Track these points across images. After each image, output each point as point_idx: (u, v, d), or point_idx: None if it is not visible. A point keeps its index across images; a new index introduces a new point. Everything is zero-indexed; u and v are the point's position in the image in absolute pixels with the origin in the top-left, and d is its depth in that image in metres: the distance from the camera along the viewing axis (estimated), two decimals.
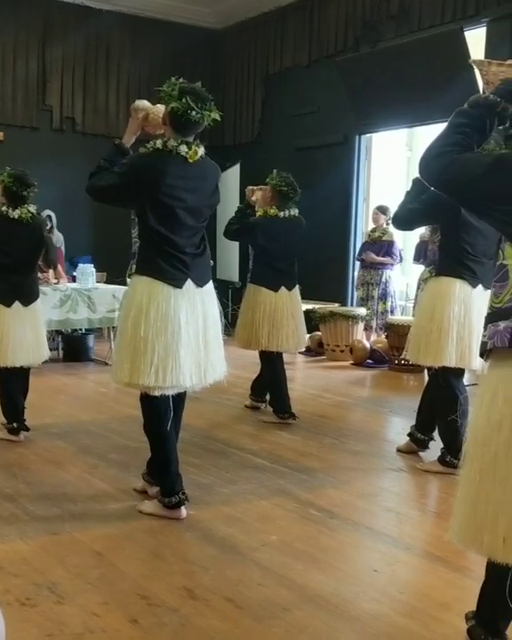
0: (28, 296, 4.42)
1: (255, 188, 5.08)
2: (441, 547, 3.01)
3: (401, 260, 8.25)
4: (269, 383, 5.28)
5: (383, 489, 3.84)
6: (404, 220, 3.98)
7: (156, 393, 3.20)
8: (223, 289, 10.09)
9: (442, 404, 3.96)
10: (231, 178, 9.89)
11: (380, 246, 8.12)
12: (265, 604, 2.52)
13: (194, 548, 2.99)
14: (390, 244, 8.05)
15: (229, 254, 9.69)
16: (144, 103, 3.38)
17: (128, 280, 3.30)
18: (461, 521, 1.89)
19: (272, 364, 5.23)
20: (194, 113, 3.11)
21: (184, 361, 3.17)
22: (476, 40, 7.36)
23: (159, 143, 3.18)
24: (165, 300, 3.17)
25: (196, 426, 4.89)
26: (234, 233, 5.14)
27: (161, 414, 3.29)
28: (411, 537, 3.19)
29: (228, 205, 10.30)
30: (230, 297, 9.80)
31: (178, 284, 3.19)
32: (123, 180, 3.15)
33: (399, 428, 5.09)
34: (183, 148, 3.19)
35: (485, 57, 7.36)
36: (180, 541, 3.06)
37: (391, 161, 9.53)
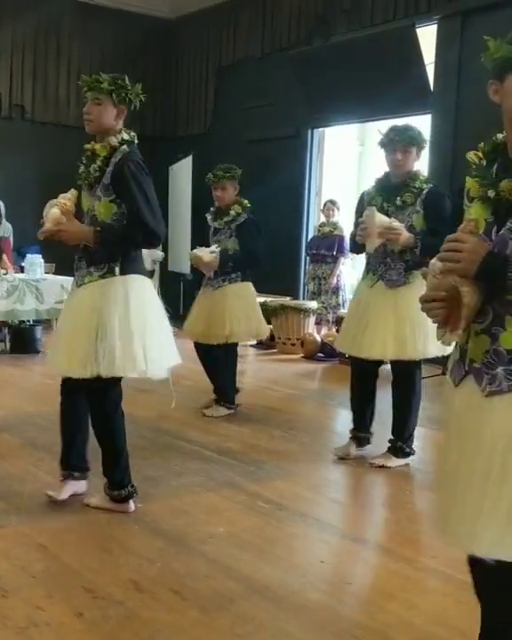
0: None
1: None
2: (387, 537, 3.05)
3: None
4: (227, 373, 5.27)
5: (331, 481, 3.87)
6: None
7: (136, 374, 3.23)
8: (175, 281, 10.04)
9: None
10: (184, 169, 9.85)
11: (331, 241, 8.15)
12: (211, 596, 2.52)
13: (140, 541, 2.97)
14: (341, 238, 8.08)
15: (181, 245, 9.63)
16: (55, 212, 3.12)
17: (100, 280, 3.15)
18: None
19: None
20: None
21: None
22: (427, 36, 7.43)
23: (127, 136, 3.15)
24: (150, 294, 3.27)
25: (144, 418, 4.86)
26: None
27: (118, 405, 3.28)
28: (357, 528, 3.23)
29: (181, 196, 10.29)
30: (182, 289, 9.75)
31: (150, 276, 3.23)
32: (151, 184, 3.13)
33: (348, 420, 5.10)
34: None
35: (436, 54, 7.45)
36: (127, 534, 3.04)
37: (343, 155, 9.59)
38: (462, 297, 1.60)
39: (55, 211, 3.06)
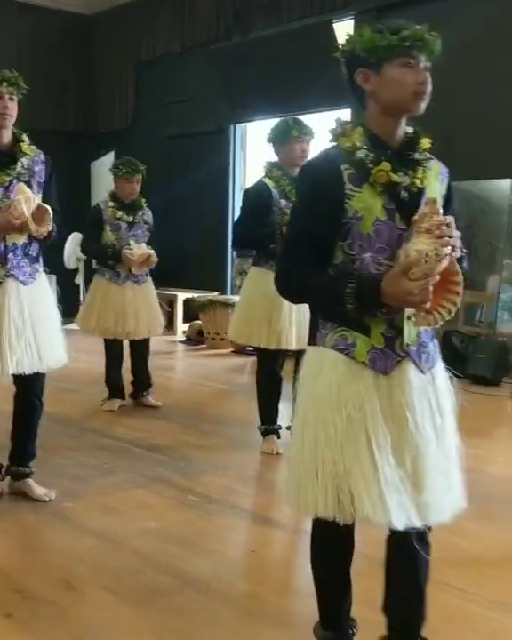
0: None
1: None
2: None
3: None
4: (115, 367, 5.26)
5: (260, 473, 3.91)
6: None
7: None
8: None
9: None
10: (106, 165, 9.71)
11: None
12: (143, 591, 2.52)
13: (70, 540, 2.94)
14: None
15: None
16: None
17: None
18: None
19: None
20: None
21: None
22: (344, 32, 7.51)
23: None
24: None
25: (71, 417, 4.83)
26: None
27: None
28: (287, 517, 3.25)
29: (103, 195, 10.16)
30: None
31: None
32: None
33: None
34: None
35: None
36: (56, 534, 3.02)
37: (267, 150, 9.62)
38: (458, 277, 1.68)
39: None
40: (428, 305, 1.65)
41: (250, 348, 7.85)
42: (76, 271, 9.65)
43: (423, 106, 1.76)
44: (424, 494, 1.77)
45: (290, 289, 1.85)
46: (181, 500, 3.40)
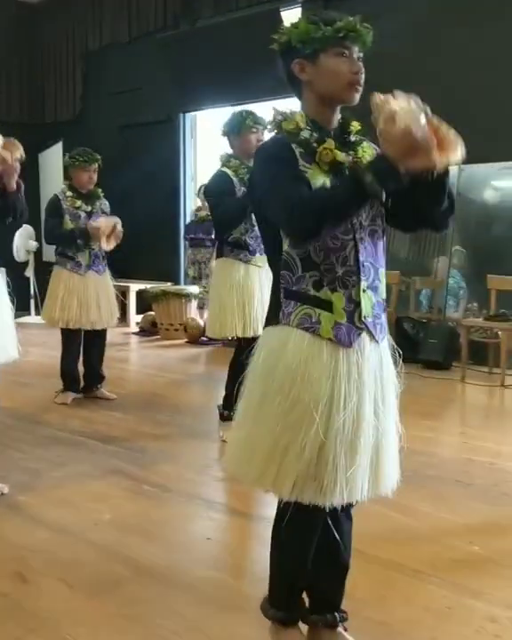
0: None
1: None
2: (270, 509, 3.10)
3: None
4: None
5: (215, 460, 3.92)
6: None
7: None
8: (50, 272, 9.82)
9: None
10: (53, 156, 9.62)
11: (209, 225, 8.17)
12: (98, 581, 2.51)
13: (23, 534, 2.92)
14: None
15: None
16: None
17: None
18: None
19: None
20: None
21: None
22: (292, 20, 7.51)
23: None
24: None
25: (25, 411, 4.78)
26: None
27: None
28: (242, 503, 3.28)
29: (52, 184, 10.04)
30: None
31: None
32: None
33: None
34: None
35: None
36: (9, 528, 2.99)
37: (217, 139, 9.59)
38: (445, 126, 1.63)
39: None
40: (434, 143, 1.57)
41: (204, 339, 7.87)
42: (25, 264, 9.54)
43: (357, 96, 1.80)
44: (380, 466, 1.85)
45: (308, 215, 1.70)
46: (137, 491, 3.40)
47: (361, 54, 1.81)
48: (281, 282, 1.83)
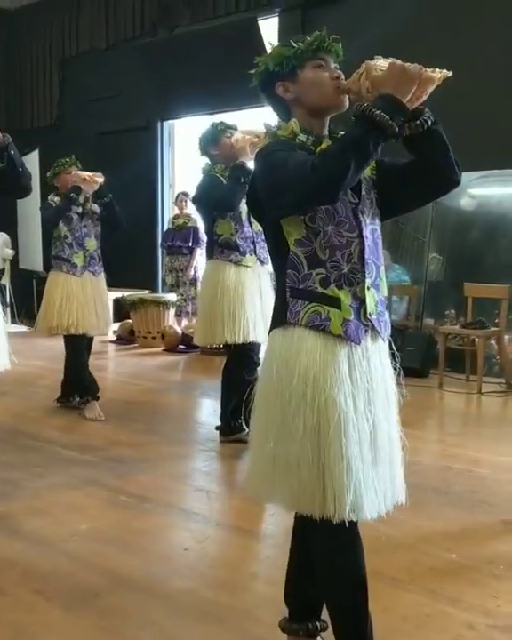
0: None
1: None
2: (248, 520, 3.11)
3: None
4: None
5: (194, 469, 3.91)
6: None
7: None
8: (27, 279, 9.76)
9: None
10: (31, 163, 9.55)
11: (186, 232, 8.19)
12: (75, 593, 2.49)
13: (0, 545, 2.89)
14: (195, 229, 8.14)
15: (31, 243, 9.36)
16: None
17: None
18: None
19: None
20: None
21: None
22: (270, 29, 7.56)
23: None
24: None
25: (1, 420, 4.73)
26: None
27: None
28: (220, 513, 3.28)
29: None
30: (35, 287, 9.49)
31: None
32: None
33: (210, 409, 5.18)
34: None
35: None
36: None
37: (195, 147, 9.59)
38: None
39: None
40: (426, 70, 1.71)
41: (182, 347, 7.86)
42: (2, 272, 9.48)
43: (346, 99, 1.84)
44: (393, 474, 1.85)
45: (329, 161, 1.67)
46: (114, 501, 3.38)
47: (337, 65, 1.87)
48: (287, 281, 1.82)
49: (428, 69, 1.71)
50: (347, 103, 1.84)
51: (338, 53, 1.87)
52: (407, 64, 1.69)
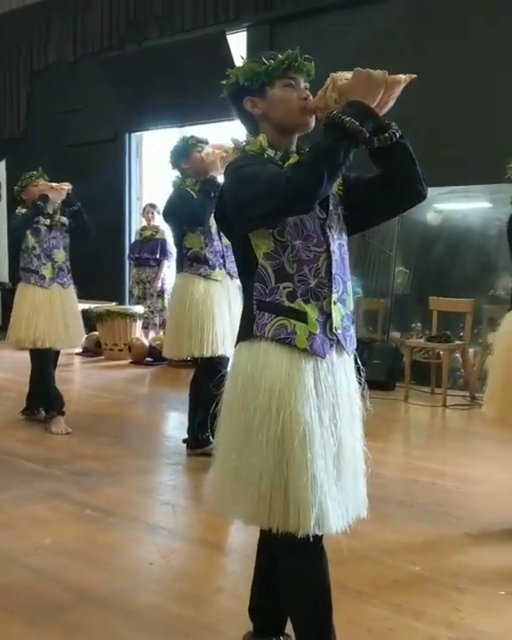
0: None
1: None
2: (213, 533, 3.11)
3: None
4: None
5: (160, 483, 3.89)
6: None
7: None
8: None
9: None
10: None
11: (154, 244, 8.18)
12: (38, 607, 2.47)
13: None
14: (163, 241, 8.14)
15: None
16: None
17: None
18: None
19: None
20: None
21: None
22: (238, 43, 7.61)
23: None
24: None
25: None
26: None
27: None
28: (186, 527, 3.26)
29: None
30: (1, 298, 9.40)
31: None
32: None
33: (177, 422, 5.16)
34: None
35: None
36: None
37: (164, 159, 9.60)
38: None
39: None
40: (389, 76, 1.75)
41: (149, 359, 7.83)
42: None
43: (312, 120, 1.86)
44: (357, 488, 1.87)
45: (302, 172, 1.68)
46: (79, 515, 3.35)
47: (307, 84, 1.89)
48: (254, 294, 1.83)
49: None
50: (313, 124, 1.87)
51: (309, 73, 1.89)
52: (372, 70, 1.72)
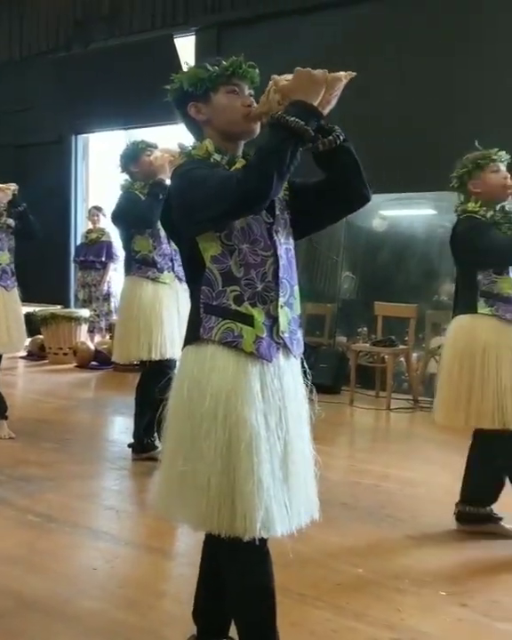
0: None
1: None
2: (158, 538, 3.09)
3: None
4: None
5: (104, 488, 3.86)
6: None
7: None
8: None
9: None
10: None
11: (99, 247, 8.12)
12: None
13: None
14: (109, 244, 8.08)
15: None
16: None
17: None
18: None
19: None
20: None
21: None
22: (186, 47, 7.61)
23: None
24: None
25: None
26: None
27: None
28: (130, 532, 3.24)
29: None
30: None
31: None
32: None
33: (122, 427, 5.12)
34: None
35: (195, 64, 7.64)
36: None
37: (110, 162, 9.54)
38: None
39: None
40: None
41: (95, 363, 7.75)
42: None
43: (256, 127, 1.87)
44: (308, 491, 1.89)
45: (252, 174, 1.68)
46: (20, 521, 3.30)
47: (252, 91, 1.90)
48: (201, 297, 1.83)
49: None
50: (258, 130, 1.87)
51: (253, 80, 1.90)
52: (312, 69, 1.74)
